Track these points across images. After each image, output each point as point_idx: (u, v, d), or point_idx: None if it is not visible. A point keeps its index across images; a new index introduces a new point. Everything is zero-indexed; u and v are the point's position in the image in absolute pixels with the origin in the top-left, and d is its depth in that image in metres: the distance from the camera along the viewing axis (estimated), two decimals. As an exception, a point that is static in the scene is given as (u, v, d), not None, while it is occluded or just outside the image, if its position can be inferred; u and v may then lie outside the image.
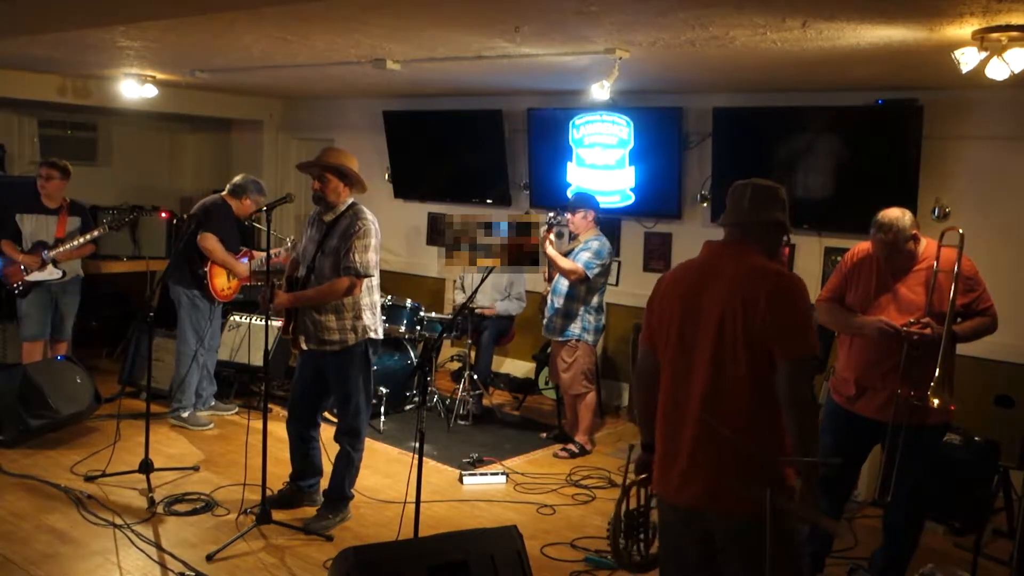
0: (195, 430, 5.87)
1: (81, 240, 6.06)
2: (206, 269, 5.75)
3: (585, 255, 5.47)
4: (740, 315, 2.57)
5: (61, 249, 6.01)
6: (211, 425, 5.96)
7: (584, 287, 5.52)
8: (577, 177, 6.92)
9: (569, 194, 6.71)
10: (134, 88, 6.79)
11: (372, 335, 4.42)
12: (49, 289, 6.08)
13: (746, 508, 2.52)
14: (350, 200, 4.40)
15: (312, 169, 4.35)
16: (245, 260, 5.96)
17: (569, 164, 6.97)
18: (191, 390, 5.94)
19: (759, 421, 2.59)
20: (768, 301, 2.56)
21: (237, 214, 5.92)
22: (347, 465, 4.47)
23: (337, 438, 4.48)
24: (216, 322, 6.05)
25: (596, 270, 5.48)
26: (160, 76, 6.88)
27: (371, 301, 4.43)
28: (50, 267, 6.00)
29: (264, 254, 5.90)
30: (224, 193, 5.92)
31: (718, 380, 2.60)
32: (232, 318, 6.59)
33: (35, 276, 5.97)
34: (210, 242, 5.69)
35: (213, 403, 6.18)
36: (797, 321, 2.57)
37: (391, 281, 7.17)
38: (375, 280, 4.43)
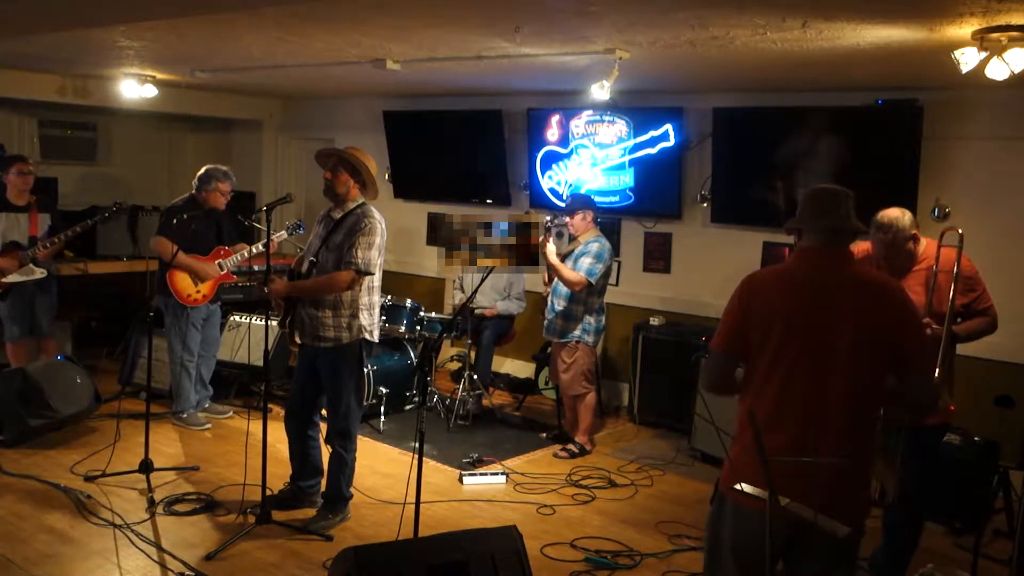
0: (194, 430, 5.87)
1: (66, 235, 5.91)
2: (166, 274, 5.60)
3: (587, 261, 5.46)
4: (875, 328, 2.56)
5: (42, 248, 5.88)
6: (208, 425, 5.95)
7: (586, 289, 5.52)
8: (577, 177, 6.92)
9: (565, 195, 6.70)
10: (134, 88, 6.79)
11: (367, 336, 4.40)
12: (25, 289, 5.99)
13: (855, 518, 2.57)
14: (360, 200, 4.41)
15: (328, 160, 4.38)
16: (231, 259, 5.80)
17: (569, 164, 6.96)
18: (185, 395, 5.92)
19: (864, 431, 2.61)
20: (908, 314, 2.61)
21: (211, 207, 5.73)
22: (341, 467, 4.47)
23: (328, 440, 4.47)
24: (211, 328, 6.00)
25: (599, 275, 5.48)
26: (160, 76, 6.88)
27: (369, 301, 4.41)
28: (32, 267, 5.89)
29: (247, 250, 5.87)
30: (192, 192, 5.78)
31: (837, 390, 2.56)
32: (232, 318, 6.58)
33: (14, 277, 5.85)
34: (155, 245, 5.54)
35: (208, 405, 6.15)
36: (926, 337, 2.66)
37: (391, 281, 7.17)
38: (376, 281, 4.42)
